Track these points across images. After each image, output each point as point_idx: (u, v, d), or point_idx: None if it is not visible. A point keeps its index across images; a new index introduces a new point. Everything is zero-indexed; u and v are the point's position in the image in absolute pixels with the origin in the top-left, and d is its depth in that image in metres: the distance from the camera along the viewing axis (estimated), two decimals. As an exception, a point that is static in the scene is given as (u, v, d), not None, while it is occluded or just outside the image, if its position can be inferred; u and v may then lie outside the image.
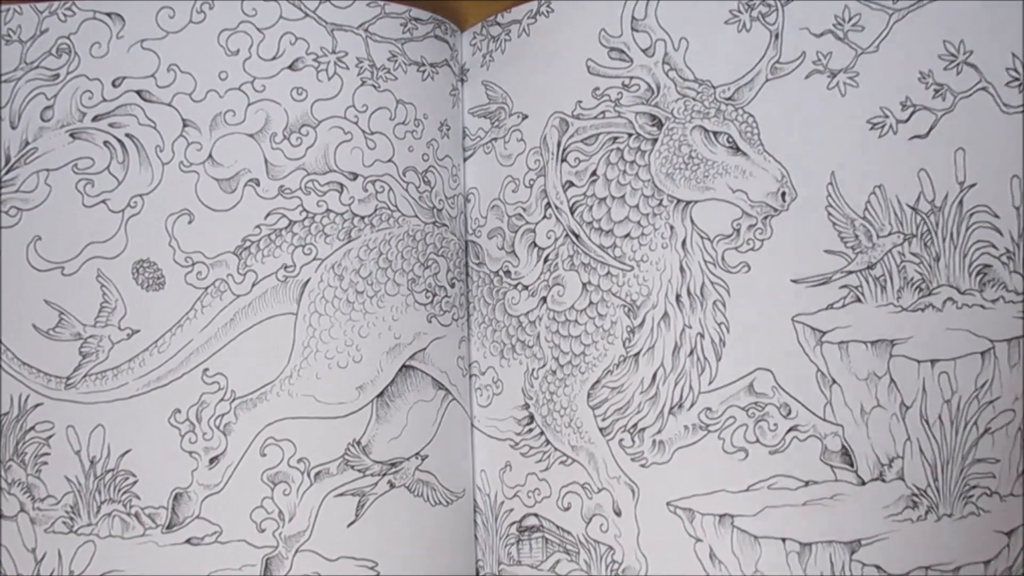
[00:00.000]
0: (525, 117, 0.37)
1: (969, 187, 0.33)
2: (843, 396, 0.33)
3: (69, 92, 0.34)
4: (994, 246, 0.33)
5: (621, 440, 0.35)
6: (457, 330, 0.38)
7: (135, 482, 0.33)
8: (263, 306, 0.34)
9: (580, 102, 0.36)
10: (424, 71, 0.37)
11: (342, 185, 0.35)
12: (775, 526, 0.33)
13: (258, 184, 0.34)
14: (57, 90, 0.34)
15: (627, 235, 0.35)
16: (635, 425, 0.35)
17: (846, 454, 0.33)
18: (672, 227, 0.35)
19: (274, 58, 0.35)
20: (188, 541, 0.33)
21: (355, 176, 0.35)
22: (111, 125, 0.34)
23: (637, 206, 0.35)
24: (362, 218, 0.35)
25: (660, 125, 0.35)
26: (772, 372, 0.33)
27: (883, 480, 0.33)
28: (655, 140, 0.35)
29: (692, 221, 0.34)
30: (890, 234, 0.33)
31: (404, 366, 0.36)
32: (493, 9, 0.38)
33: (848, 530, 0.33)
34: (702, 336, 0.34)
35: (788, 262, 0.33)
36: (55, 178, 0.34)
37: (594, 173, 0.36)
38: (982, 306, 0.33)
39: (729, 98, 0.34)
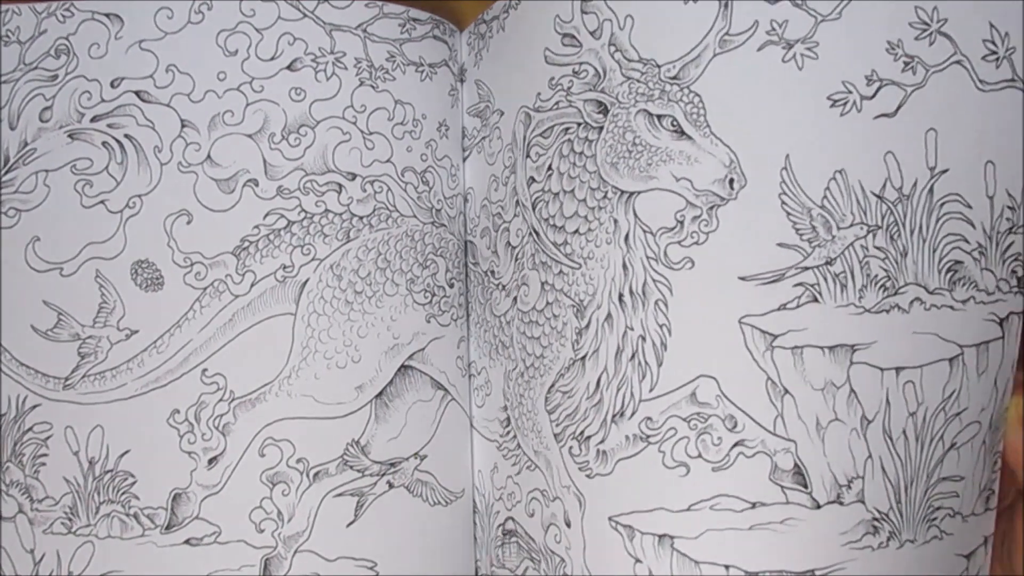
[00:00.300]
0: (503, 114, 0.36)
1: (940, 173, 0.29)
2: (796, 408, 0.29)
3: (68, 93, 0.34)
4: (966, 240, 0.29)
5: (571, 448, 0.33)
6: (456, 330, 0.38)
7: (134, 483, 0.33)
8: (262, 306, 0.34)
9: (539, 94, 0.34)
10: (423, 71, 0.37)
11: (340, 185, 0.35)
12: (718, 551, 0.29)
13: (257, 184, 0.34)
14: (56, 91, 0.34)
15: (576, 231, 0.32)
16: (582, 432, 0.32)
17: (799, 473, 0.29)
18: (616, 221, 0.31)
19: (272, 58, 0.35)
20: (187, 541, 0.33)
21: (353, 176, 0.35)
22: (110, 126, 0.34)
23: (584, 200, 0.32)
24: (361, 218, 0.35)
25: (606, 112, 0.32)
26: (716, 380, 0.29)
27: (841, 503, 0.29)
28: (601, 128, 0.32)
29: (635, 214, 0.31)
30: (852, 225, 0.29)
31: (403, 366, 0.36)
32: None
33: (800, 559, 0.29)
34: (643, 339, 0.31)
35: (736, 257, 0.29)
36: (54, 179, 0.34)
37: (550, 167, 0.33)
38: (951, 307, 0.29)
39: (674, 77, 0.30)
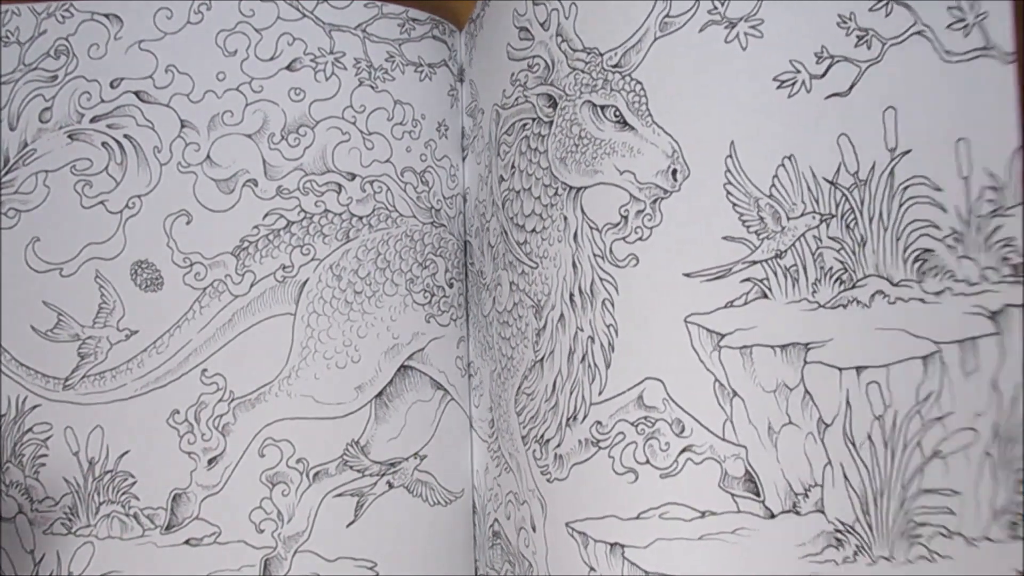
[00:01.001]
0: (484, 113, 0.36)
1: (903, 154, 0.26)
2: (746, 411, 0.27)
3: (67, 93, 0.34)
4: (936, 226, 0.26)
5: (534, 451, 0.32)
6: (455, 330, 0.38)
7: (134, 483, 0.33)
8: (261, 306, 0.34)
9: (504, 91, 0.33)
10: (422, 71, 0.37)
11: (340, 185, 0.35)
12: (668, 561, 0.28)
13: (256, 184, 0.34)
14: (55, 91, 0.34)
15: (533, 230, 0.31)
16: (542, 436, 0.31)
17: (750, 480, 0.27)
18: (566, 218, 0.30)
19: (272, 58, 0.35)
20: (187, 542, 0.33)
21: (353, 176, 0.35)
22: (109, 126, 0.34)
23: (539, 198, 0.31)
24: (360, 218, 0.35)
25: (555, 106, 0.30)
26: (663, 382, 0.28)
27: (797, 512, 0.27)
28: (552, 123, 0.31)
29: (582, 210, 0.30)
30: (803, 214, 0.27)
31: (402, 366, 0.36)
32: (490, 9, 0.38)
33: (755, 571, 0.27)
34: (592, 340, 0.29)
35: (680, 252, 0.28)
36: (54, 179, 0.34)
37: (513, 165, 0.33)
38: (922, 300, 0.26)
39: (616, 65, 0.29)
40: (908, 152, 0.26)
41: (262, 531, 0.33)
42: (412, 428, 0.36)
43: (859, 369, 0.26)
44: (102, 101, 0.34)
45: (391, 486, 0.35)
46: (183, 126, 0.34)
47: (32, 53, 0.35)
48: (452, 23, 0.39)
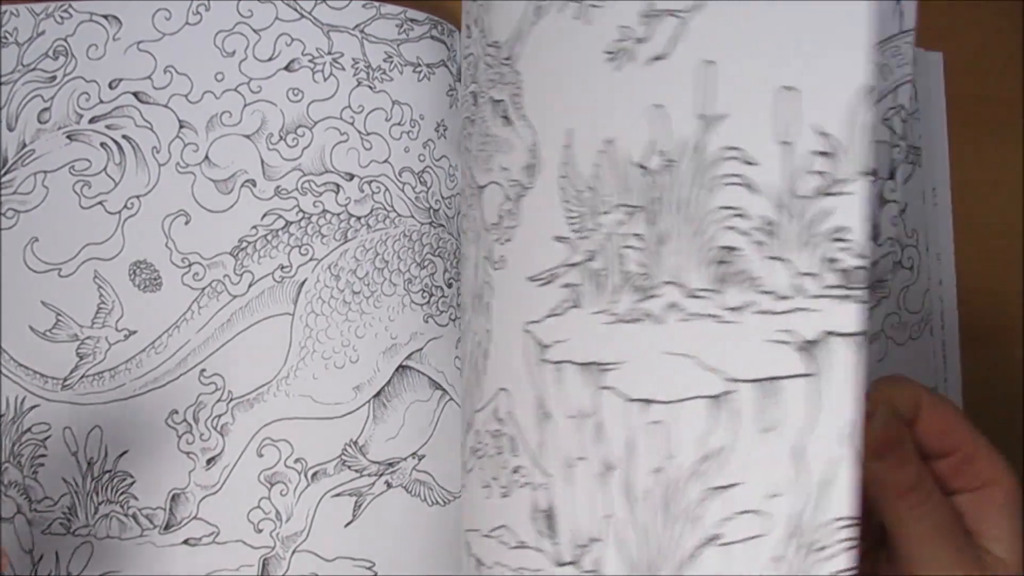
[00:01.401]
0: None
1: (717, 120, 0.19)
2: (556, 437, 0.23)
3: (66, 94, 0.34)
4: (743, 215, 0.19)
5: (464, 454, 0.31)
6: (454, 330, 0.38)
7: (132, 483, 0.33)
8: (260, 307, 0.34)
9: (464, 92, 0.33)
10: (420, 71, 0.37)
11: (338, 186, 0.35)
12: None
13: (254, 185, 0.34)
14: (54, 92, 0.34)
15: (464, 231, 0.31)
16: (465, 442, 0.30)
17: (550, 517, 0.23)
18: (475, 218, 0.28)
19: (270, 59, 0.35)
20: (186, 542, 0.33)
21: (351, 177, 0.35)
22: (108, 127, 0.34)
23: (467, 198, 0.30)
24: (358, 218, 0.35)
25: (477, 103, 0.29)
26: (509, 394, 0.25)
27: (578, 567, 0.22)
28: (474, 121, 0.29)
29: (481, 209, 0.27)
30: (614, 208, 0.22)
31: (401, 366, 0.36)
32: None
33: None
34: (479, 345, 0.27)
35: (526, 254, 0.25)
36: (52, 180, 0.34)
37: (468, 165, 0.31)
38: (716, 317, 0.19)
39: (507, 58, 0.26)
40: (723, 118, 0.19)
41: (260, 531, 0.33)
42: (410, 428, 0.36)
43: (645, 402, 0.20)
44: (101, 102, 0.34)
45: (389, 486, 0.35)
46: (181, 126, 0.34)
47: (31, 54, 0.35)
48: (451, 23, 0.39)
